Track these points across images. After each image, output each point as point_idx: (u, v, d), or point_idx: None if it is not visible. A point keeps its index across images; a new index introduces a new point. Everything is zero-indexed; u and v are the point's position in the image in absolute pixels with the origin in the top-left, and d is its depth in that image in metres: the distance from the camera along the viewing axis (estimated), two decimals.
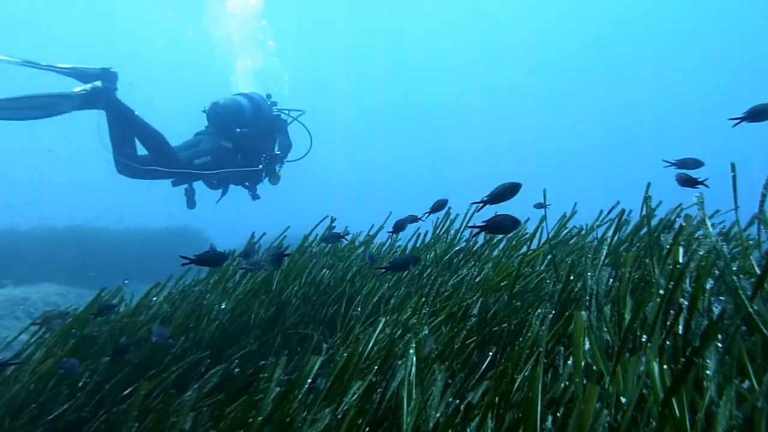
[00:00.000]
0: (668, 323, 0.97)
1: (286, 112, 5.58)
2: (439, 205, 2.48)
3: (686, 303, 1.01)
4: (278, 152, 5.31)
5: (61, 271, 9.31)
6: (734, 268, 1.15)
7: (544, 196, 2.42)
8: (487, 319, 1.99)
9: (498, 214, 1.84)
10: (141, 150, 4.55)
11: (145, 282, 2.74)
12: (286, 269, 2.78)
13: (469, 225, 1.72)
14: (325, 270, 2.71)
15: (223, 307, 2.55)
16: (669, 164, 2.40)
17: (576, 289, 2.02)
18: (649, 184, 2.46)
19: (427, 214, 2.43)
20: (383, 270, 2.06)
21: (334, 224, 3.10)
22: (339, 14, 30.76)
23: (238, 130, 4.96)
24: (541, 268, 2.30)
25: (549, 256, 2.31)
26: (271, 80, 7.12)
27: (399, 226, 2.45)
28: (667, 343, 0.97)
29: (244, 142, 4.99)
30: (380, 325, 1.43)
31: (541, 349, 1.08)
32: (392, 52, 33.61)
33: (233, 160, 5.02)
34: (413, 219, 2.47)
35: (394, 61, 34.05)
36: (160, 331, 1.90)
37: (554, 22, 30.65)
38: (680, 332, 0.97)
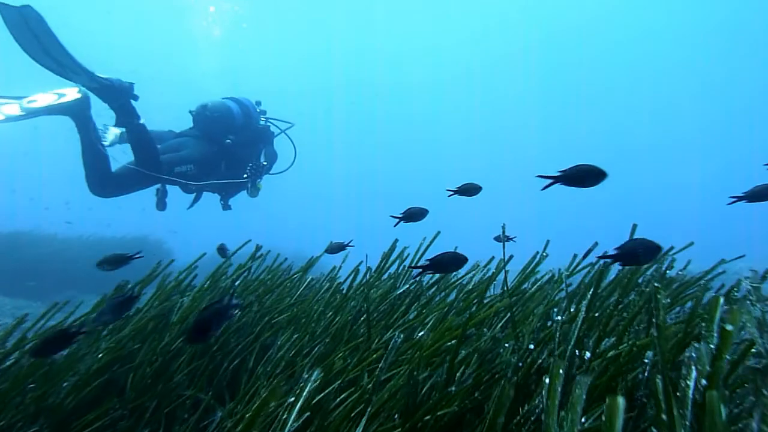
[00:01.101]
0: None
1: (273, 122, 5.36)
2: (412, 214, 2.04)
3: None
4: (264, 163, 5.04)
5: None
6: None
7: (503, 229, 1.96)
8: (416, 400, 1.49)
9: (633, 239, 1.44)
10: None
11: (93, 293, 2.33)
12: (190, 306, 2.25)
13: (602, 256, 1.29)
14: (237, 312, 2.18)
15: (99, 356, 2.00)
16: (736, 199, 1.92)
17: (540, 360, 1.56)
18: (635, 226, 2.01)
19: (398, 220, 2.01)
20: (421, 269, 1.64)
21: (260, 251, 2.59)
22: (336, 17, 30.60)
23: (228, 141, 4.71)
24: (498, 326, 1.82)
25: (509, 311, 1.83)
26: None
27: (407, 215, 1.99)
28: None
29: (231, 151, 4.75)
30: None
31: None
32: (390, 57, 33.47)
33: (217, 168, 4.76)
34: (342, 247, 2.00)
35: (393, 65, 33.89)
36: None
37: (549, 29, 30.78)
38: None
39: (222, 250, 2.21)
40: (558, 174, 1.43)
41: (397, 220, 2.06)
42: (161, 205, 4.88)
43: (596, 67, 32.33)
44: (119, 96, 4.07)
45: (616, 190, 33.89)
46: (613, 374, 1.35)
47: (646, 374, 1.44)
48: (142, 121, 4.18)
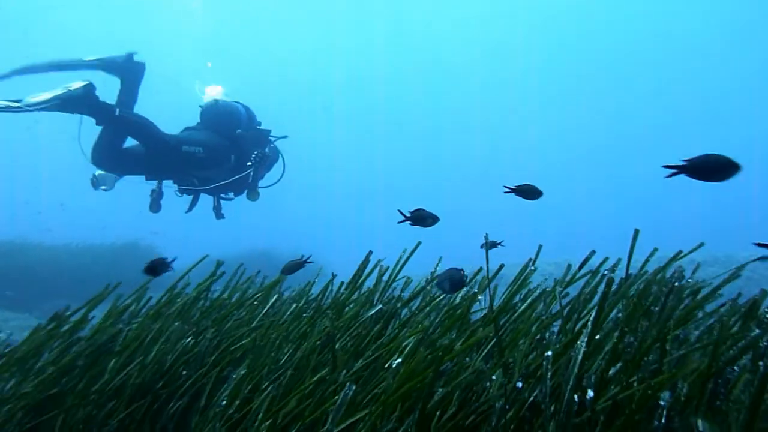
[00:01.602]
0: None
1: (267, 131, 5.41)
2: (421, 218, 1.80)
3: None
4: (269, 153, 5.07)
5: None
6: None
7: (486, 238, 1.69)
8: None
9: None
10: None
11: (81, 302, 2.18)
12: (138, 332, 1.98)
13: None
14: (190, 339, 1.92)
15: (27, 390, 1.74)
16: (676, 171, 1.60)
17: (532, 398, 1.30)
18: (637, 231, 1.75)
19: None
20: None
21: (223, 268, 2.33)
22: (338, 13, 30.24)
23: (239, 131, 4.85)
24: (483, 352, 1.56)
25: (496, 336, 1.57)
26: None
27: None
28: None
29: (240, 144, 4.88)
30: None
31: None
32: (389, 53, 33.09)
33: (226, 161, 4.82)
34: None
35: (392, 62, 33.48)
36: None
37: (547, 23, 30.42)
38: None
39: (153, 269, 1.88)
40: (682, 163, 1.27)
41: (404, 219, 1.80)
42: (155, 206, 4.86)
43: (593, 59, 32.03)
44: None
45: (616, 183, 33.64)
46: (624, 424, 1.10)
47: (663, 420, 1.19)
48: (117, 113, 4.17)
